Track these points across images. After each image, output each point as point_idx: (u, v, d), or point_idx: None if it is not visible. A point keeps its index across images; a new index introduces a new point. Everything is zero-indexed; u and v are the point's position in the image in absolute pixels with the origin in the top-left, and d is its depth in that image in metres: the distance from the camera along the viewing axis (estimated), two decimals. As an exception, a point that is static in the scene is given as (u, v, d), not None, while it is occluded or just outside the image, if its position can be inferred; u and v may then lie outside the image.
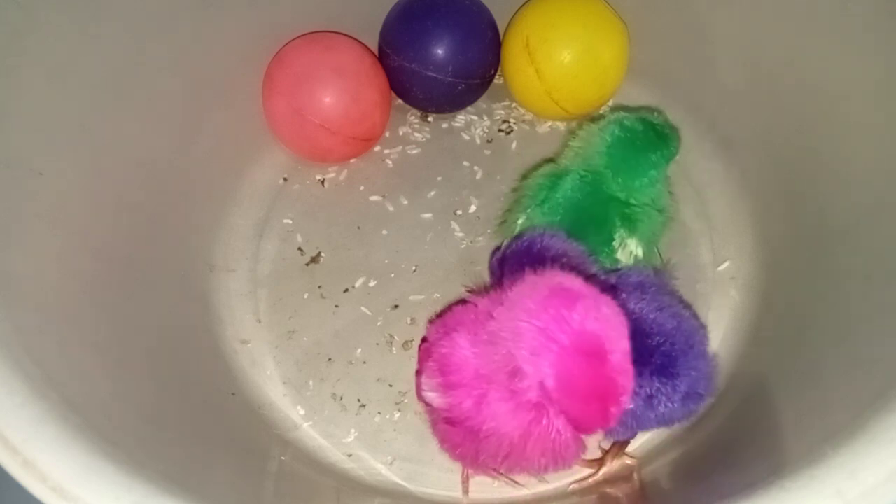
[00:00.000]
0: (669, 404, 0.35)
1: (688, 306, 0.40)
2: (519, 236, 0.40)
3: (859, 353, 0.33)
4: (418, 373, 0.38)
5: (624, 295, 0.36)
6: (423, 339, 0.39)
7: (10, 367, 0.27)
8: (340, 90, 0.48)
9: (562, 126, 0.53)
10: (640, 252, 0.42)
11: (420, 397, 0.37)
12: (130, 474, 0.26)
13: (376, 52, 0.52)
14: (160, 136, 0.44)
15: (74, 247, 0.36)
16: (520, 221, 0.44)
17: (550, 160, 0.46)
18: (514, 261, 0.39)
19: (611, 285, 0.37)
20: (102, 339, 0.35)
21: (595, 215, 0.42)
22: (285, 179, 0.51)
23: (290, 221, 0.50)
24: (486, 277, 0.46)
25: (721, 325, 0.44)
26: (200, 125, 0.47)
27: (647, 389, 0.35)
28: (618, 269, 0.39)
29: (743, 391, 0.39)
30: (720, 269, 0.47)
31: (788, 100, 0.45)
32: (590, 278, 0.37)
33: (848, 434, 0.26)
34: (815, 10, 0.42)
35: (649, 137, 0.42)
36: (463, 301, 0.39)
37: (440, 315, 0.41)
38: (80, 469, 0.25)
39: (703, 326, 0.38)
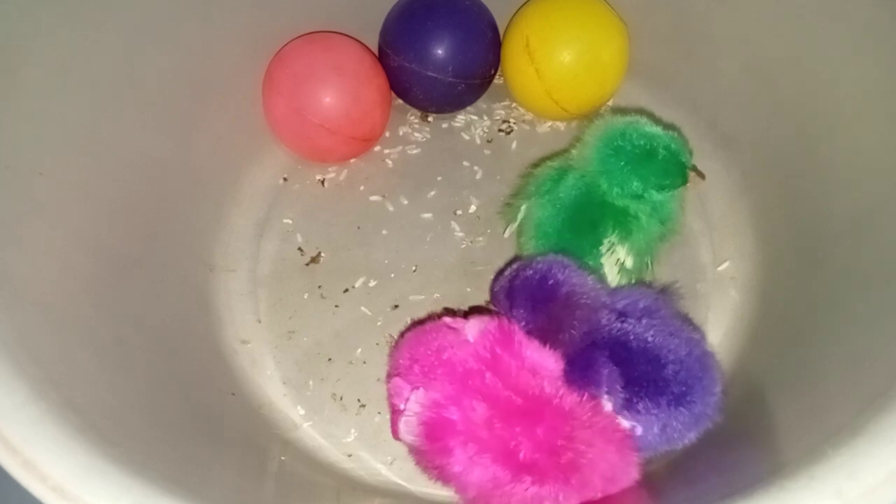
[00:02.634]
0: (683, 430, 0.35)
1: (696, 328, 0.40)
2: (526, 266, 0.39)
3: (859, 353, 0.33)
4: (395, 412, 0.36)
5: (633, 321, 0.36)
6: (390, 374, 0.38)
7: (10, 367, 0.27)
8: (340, 90, 0.48)
9: (562, 126, 0.53)
10: (628, 262, 0.41)
11: (397, 437, 0.36)
12: (130, 474, 0.26)
13: (376, 52, 0.52)
14: (160, 135, 0.44)
15: (74, 247, 0.36)
16: (522, 208, 0.44)
17: (565, 151, 0.46)
18: (525, 294, 0.38)
19: (618, 312, 0.37)
20: (102, 339, 0.35)
21: (591, 216, 0.42)
22: (285, 179, 0.51)
23: (290, 221, 0.50)
24: (485, 278, 0.46)
25: (721, 325, 0.44)
26: (200, 125, 0.47)
27: (664, 418, 0.35)
28: (623, 292, 0.38)
29: (743, 391, 0.39)
30: (720, 269, 0.47)
31: (788, 100, 0.45)
32: (599, 309, 0.37)
33: (848, 434, 0.26)
34: (815, 9, 0.42)
35: (643, 154, 0.41)
36: (435, 323, 0.38)
37: (409, 343, 0.38)
38: (80, 469, 0.25)
39: (710, 347, 0.38)
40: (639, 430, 0.35)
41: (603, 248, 0.41)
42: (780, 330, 0.42)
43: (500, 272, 0.42)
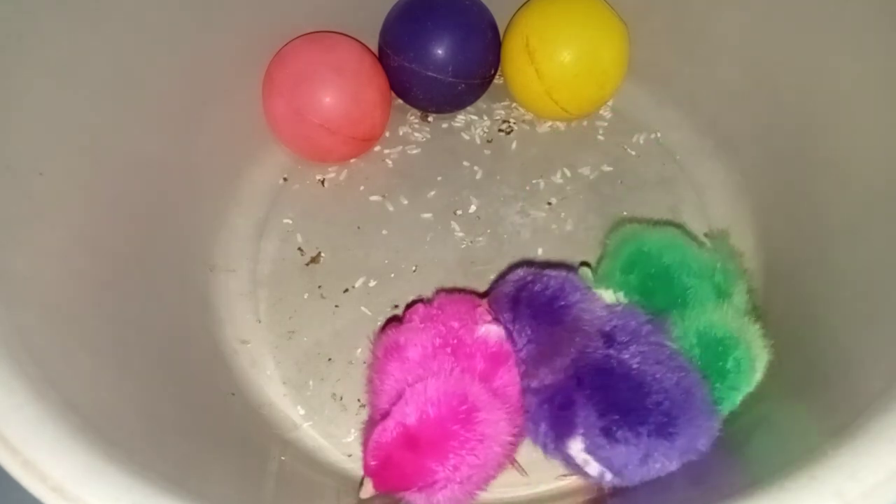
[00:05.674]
0: (666, 462, 0.33)
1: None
2: (536, 279, 0.37)
3: (859, 353, 0.33)
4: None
5: (618, 346, 0.34)
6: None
7: (10, 367, 0.27)
8: (340, 90, 0.48)
9: (562, 126, 0.53)
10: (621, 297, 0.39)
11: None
12: (130, 474, 0.26)
13: (376, 52, 0.52)
14: (160, 136, 0.44)
15: (74, 247, 0.36)
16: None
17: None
18: (531, 310, 0.36)
19: (606, 335, 0.35)
20: (102, 339, 0.35)
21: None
22: (285, 179, 0.51)
23: (290, 221, 0.50)
24: (486, 278, 0.46)
25: (721, 325, 0.44)
26: (200, 125, 0.47)
27: (644, 450, 0.33)
28: (616, 314, 0.36)
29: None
30: (720, 268, 0.46)
31: (788, 100, 0.45)
32: (603, 335, 0.36)
33: (848, 434, 0.26)
34: (815, 10, 0.42)
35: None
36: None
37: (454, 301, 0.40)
38: (80, 469, 0.25)
39: (704, 376, 0.35)
40: (608, 477, 0.34)
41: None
42: (780, 330, 0.42)
43: (504, 274, 0.40)
